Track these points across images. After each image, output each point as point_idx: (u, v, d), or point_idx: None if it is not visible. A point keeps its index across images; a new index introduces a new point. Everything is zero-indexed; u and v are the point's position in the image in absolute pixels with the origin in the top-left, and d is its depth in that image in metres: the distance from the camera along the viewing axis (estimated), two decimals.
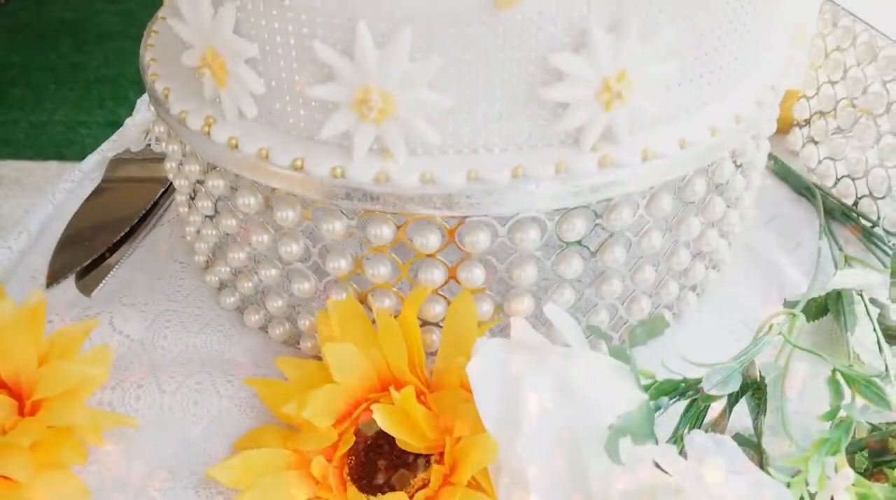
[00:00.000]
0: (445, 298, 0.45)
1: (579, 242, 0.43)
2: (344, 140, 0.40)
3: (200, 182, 0.48)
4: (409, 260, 0.43)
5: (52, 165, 2.23)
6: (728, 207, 0.50)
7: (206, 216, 0.50)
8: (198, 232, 0.53)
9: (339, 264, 0.44)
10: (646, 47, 0.37)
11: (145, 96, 0.80)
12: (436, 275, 0.43)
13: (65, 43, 2.64)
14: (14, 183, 2.17)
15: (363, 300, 0.46)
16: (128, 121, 0.74)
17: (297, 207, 0.43)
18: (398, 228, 0.42)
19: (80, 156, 2.43)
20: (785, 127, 0.69)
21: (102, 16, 2.81)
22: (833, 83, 0.61)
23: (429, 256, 0.43)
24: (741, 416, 0.44)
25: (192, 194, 0.51)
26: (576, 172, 0.39)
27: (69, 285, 0.57)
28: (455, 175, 0.39)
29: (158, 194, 0.63)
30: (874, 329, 0.47)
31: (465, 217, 0.41)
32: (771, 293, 0.56)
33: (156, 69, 0.48)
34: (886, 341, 0.48)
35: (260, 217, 0.45)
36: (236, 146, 0.42)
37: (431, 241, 0.41)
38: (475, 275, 0.43)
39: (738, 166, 0.48)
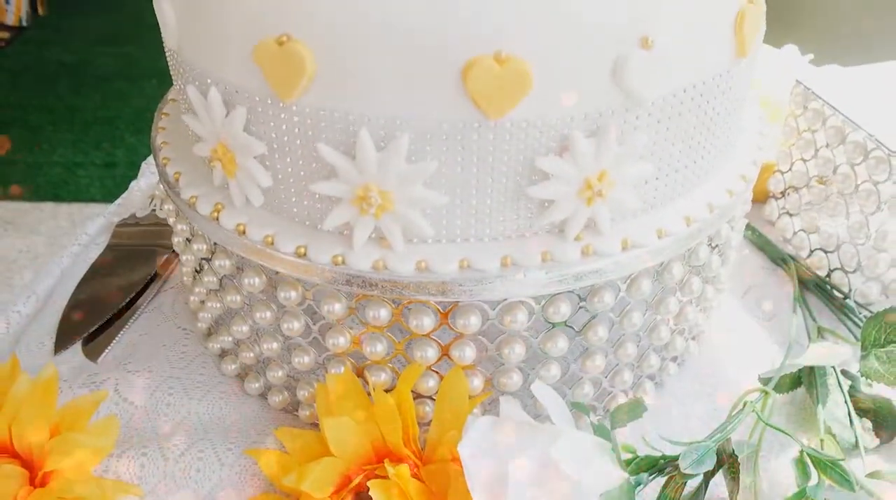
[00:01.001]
0: (438, 373, 0.47)
1: (564, 323, 0.46)
2: (345, 229, 0.43)
3: (207, 260, 0.51)
4: (404, 339, 0.46)
5: (48, 206, 2.26)
6: (705, 284, 0.53)
7: (211, 290, 0.53)
8: (202, 302, 0.55)
9: (338, 341, 0.46)
10: (624, 150, 0.41)
11: (149, 160, 0.83)
12: (429, 353, 0.46)
13: (63, 85, 2.69)
14: (9, 223, 2.19)
15: (360, 374, 0.48)
16: (133, 184, 0.77)
17: (299, 288, 0.45)
18: (395, 310, 0.44)
19: (76, 197, 2.43)
20: (762, 197, 0.73)
21: (100, 58, 2.86)
22: (805, 161, 0.64)
23: (423, 336, 0.45)
24: (720, 485, 0.47)
25: (198, 268, 0.53)
26: (560, 262, 0.42)
27: (76, 349, 0.59)
28: (448, 265, 0.42)
29: (162, 260, 0.65)
30: (845, 402, 0.50)
31: (458, 301, 0.43)
32: (748, 362, 0.59)
33: (167, 153, 0.51)
34: (857, 414, 0.51)
35: (263, 295, 0.48)
36: (244, 232, 0.44)
37: (426, 323, 0.44)
38: (466, 353, 0.46)
39: (714, 248, 0.51)
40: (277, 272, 0.45)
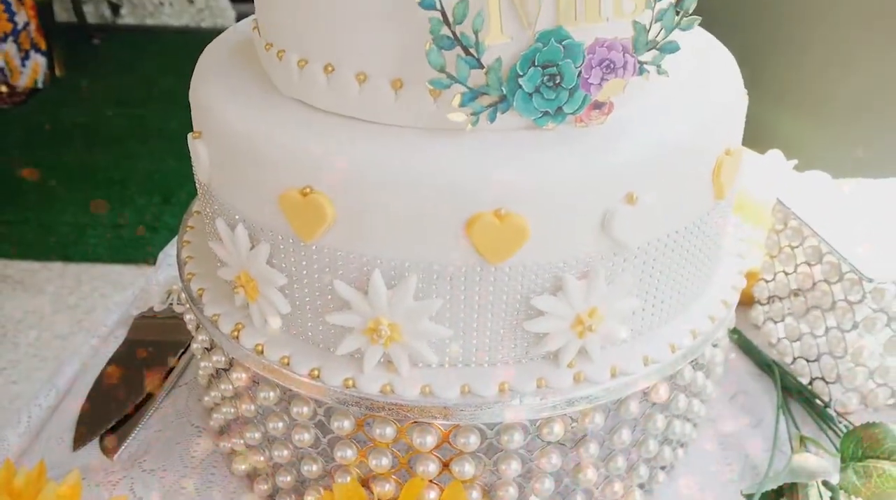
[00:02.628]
0: (439, 486, 0.50)
1: (557, 441, 0.49)
2: (356, 353, 0.47)
3: (224, 370, 0.54)
4: (408, 454, 0.49)
5: (57, 266, 2.30)
6: (692, 397, 0.56)
7: (226, 397, 0.56)
8: (216, 405, 0.59)
9: (346, 454, 0.50)
10: (612, 289, 0.45)
11: (167, 250, 0.87)
12: (431, 467, 0.49)
13: (76, 145, 2.76)
14: (18, 283, 2.23)
15: (365, 484, 0.51)
16: (151, 277, 0.81)
17: (311, 404, 0.49)
18: (399, 428, 0.48)
19: (84, 257, 2.46)
20: (748, 301, 0.76)
21: (113, 120, 2.94)
22: (787, 274, 0.69)
23: (426, 452, 0.48)
24: None
25: (215, 374, 0.57)
26: (554, 388, 0.46)
27: (93, 444, 0.62)
28: (450, 390, 0.45)
29: (178, 356, 0.69)
30: None
31: (459, 423, 0.47)
32: (735, 467, 0.62)
33: (192, 268, 0.55)
34: None
35: (277, 408, 0.51)
36: (262, 352, 0.48)
37: (428, 441, 0.47)
38: (466, 469, 0.49)
39: (699, 367, 0.55)
40: (291, 389, 0.49)
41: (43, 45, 2.94)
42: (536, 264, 0.43)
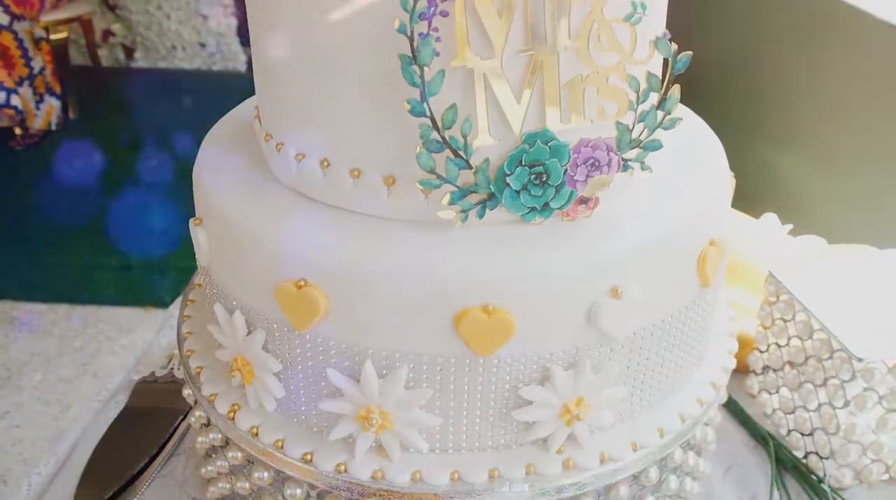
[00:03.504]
0: None
1: None
2: (349, 438, 0.48)
3: (221, 447, 0.55)
4: None
5: (63, 308, 2.32)
6: (684, 476, 0.56)
7: (222, 473, 0.57)
8: (212, 479, 0.59)
9: None
10: (599, 378, 0.46)
11: (171, 311, 0.88)
12: None
13: (85, 187, 2.80)
14: (24, 325, 2.25)
15: None
16: (152, 341, 0.82)
17: (304, 485, 0.50)
18: None
19: (90, 300, 2.47)
20: (744, 369, 0.77)
21: (127, 162, 2.99)
22: (780, 346, 0.69)
23: None
24: None
25: (211, 449, 0.58)
26: (543, 475, 0.47)
27: None
28: (441, 477, 0.46)
29: (177, 423, 0.70)
30: None
31: None
32: None
33: (191, 345, 0.56)
34: None
35: (271, 487, 0.52)
36: (256, 434, 0.49)
37: None
38: None
39: (690, 447, 0.55)
40: (285, 471, 0.50)
41: (57, 89, 3.00)
42: (524, 356, 0.44)
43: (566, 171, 0.43)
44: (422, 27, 0.38)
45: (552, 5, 0.40)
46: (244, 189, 0.48)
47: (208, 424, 0.56)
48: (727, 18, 1.35)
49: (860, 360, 0.59)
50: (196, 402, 0.56)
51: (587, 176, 0.44)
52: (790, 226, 0.91)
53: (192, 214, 0.53)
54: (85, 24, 3.03)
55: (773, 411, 0.71)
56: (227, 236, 0.48)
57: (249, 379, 0.49)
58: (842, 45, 1.08)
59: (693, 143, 0.54)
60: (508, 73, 0.41)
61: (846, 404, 0.61)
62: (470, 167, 0.42)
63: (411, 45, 0.39)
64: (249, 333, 0.48)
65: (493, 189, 0.43)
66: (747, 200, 0.96)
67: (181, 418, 0.71)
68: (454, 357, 0.44)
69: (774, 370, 0.71)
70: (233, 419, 0.50)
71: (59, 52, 2.98)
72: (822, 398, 0.64)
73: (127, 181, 2.92)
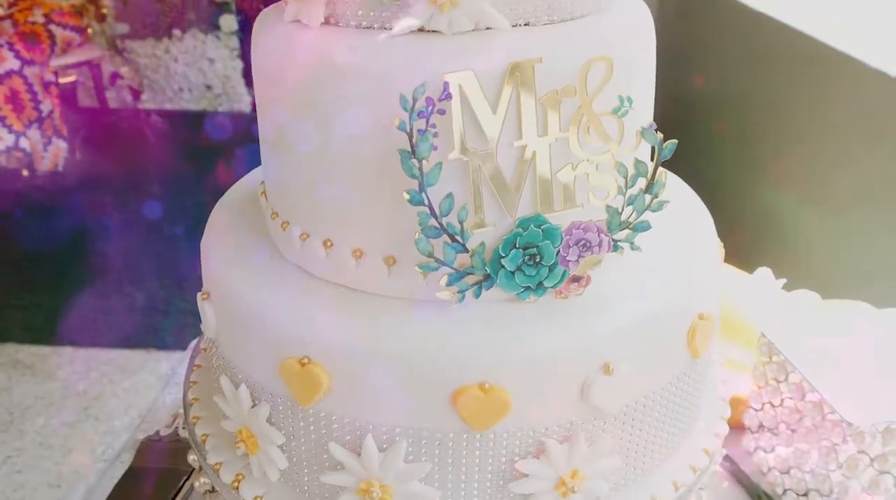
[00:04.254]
0: None
1: None
2: None
3: None
4: None
5: (67, 350, 2.33)
6: None
7: None
8: None
9: None
10: (593, 451, 0.47)
11: (177, 367, 0.90)
12: None
13: (91, 229, 2.83)
14: (28, 368, 2.26)
15: None
16: (157, 399, 0.84)
17: None
18: None
19: (94, 343, 2.48)
20: (740, 426, 0.78)
21: (133, 204, 3.02)
22: (774, 406, 0.70)
23: None
24: None
25: None
26: None
27: None
28: None
29: (181, 483, 0.71)
30: None
31: None
32: None
33: (197, 411, 0.58)
34: None
35: None
36: None
37: None
38: None
39: None
40: None
41: (65, 131, 3.05)
42: (520, 430, 0.46)
43: (559, 252, 0.45)
44: (420, 124, 0.41)
45: (543, 100, 0.42)
46: (251, 266, 0.50)
47: (213, 490, 0.57)
48: (725, 63, 1.38)
49: (850, 424, 0.60)
50: (201, 468, 0.58)
51: (579, 256, 0.46)
52: (784, 280, 0.93)
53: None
54: (94, 67, 3.09)
55: (769, 469, 0.72)
56: (233, 312, 0.49)
57: (254, 450, 0.50)
58: (838, 95, 1.11)
59: (682, 214, 0.56)
60: (503, 163, 0.43)
61: (839, 466, 0.62)
62: (466, 251, 0.44)
63: (410, 141, 0.41)
64: (254, 406, 0.49)
65: (488, 270, 0.45)
66: (741, 251, 0.98)
67: (185, 478, 0.72)
68: (452, 433, 0.45)
69: (769, 429, 0.72)
70: (237, 488, 0.51)
71: (68, 96, 3.04)
72: (816, 459, 0.65)
73: (131, 222, 2.96)
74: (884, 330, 0.73)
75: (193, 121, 3.34)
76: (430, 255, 0.43)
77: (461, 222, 0.43)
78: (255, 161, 0.56)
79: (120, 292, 2.54)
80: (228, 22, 3.22)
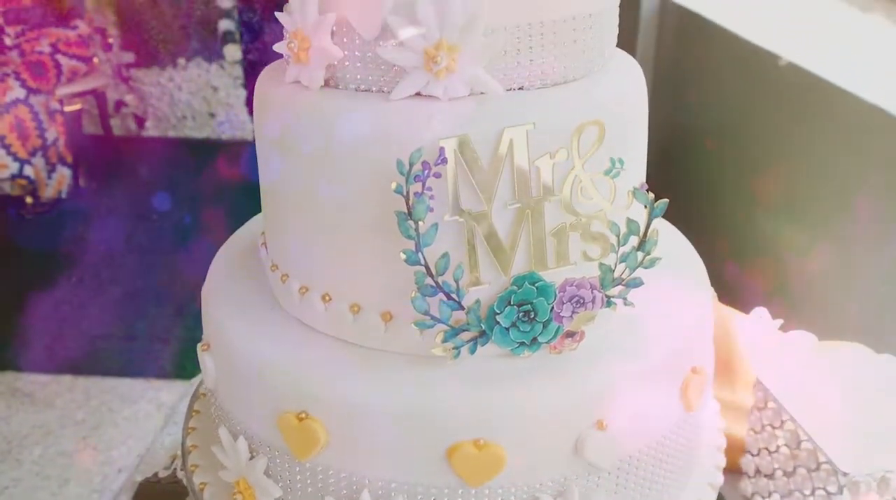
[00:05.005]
0: None
1: None
2: None
3: None
4: None
5: (66, 378, 2.32)
6: None
7: None
8: None
9: None
10: None
11: (179, 405, 0.90)
12: None
13: (95, 255, 2.84)
14: (27, 396, 2.25)
15: None
16: (155, 440, 0.84)
17: None
18: None
19: (94, 371, 2.47)
20: (737, 470, 0.78)
21: (133, 229, 3.03)
22: (770, 452, 0.71)
23: None
24: None
25: None
26: None
27: None
28: None
29: None
30: None
31: None
32: None
33: (195, 459, 0.58)
34: None
35: None
36: None
37: None
38: None
39: None
40: None
41: (69, 159, 3.07)
42: (514, 486, 0.46)
43: (553, 308, 0.46)
44: (417, 187, 0.42)
45: (537, 163, 0.44)
46: (250, 318, 0.51)
47: None
48: (722, 94, 1.39)
49: (845, 474, 0.61)
50: None
51: (573, 312, 0.47)
52: (780, 321, 0.93)
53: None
54: (99, 95, 3.12)
55: None
56: (232, 365, 0.50)
57: None
58: (838, 130, 1.11)
59: (675, 264, 0.56)
60: (497, 223, 0.44)
61: None
62: (462, 308, 0.45)
63: (407, 204, 0.42)
64: (252, 458, 0.50)
65: (483, 327, 0.45)
66: (736, 290, 0.98)
67: None
68: (447, 488, 0.46)
69: (766, 475, 0.72)
70: None
71: (73, 124, 3.07)
72: None
73: (132, 250, 2.97)
74: (881, 375, 0.73)
75: (196, 148, 3.37)
76: (427, 313, 0.44)
77: (457, 281, 0.44)
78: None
79: (121, 320, 2.54)
80: (233, 52, 3.26)
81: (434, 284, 0.44)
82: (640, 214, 0.47)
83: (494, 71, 0.44)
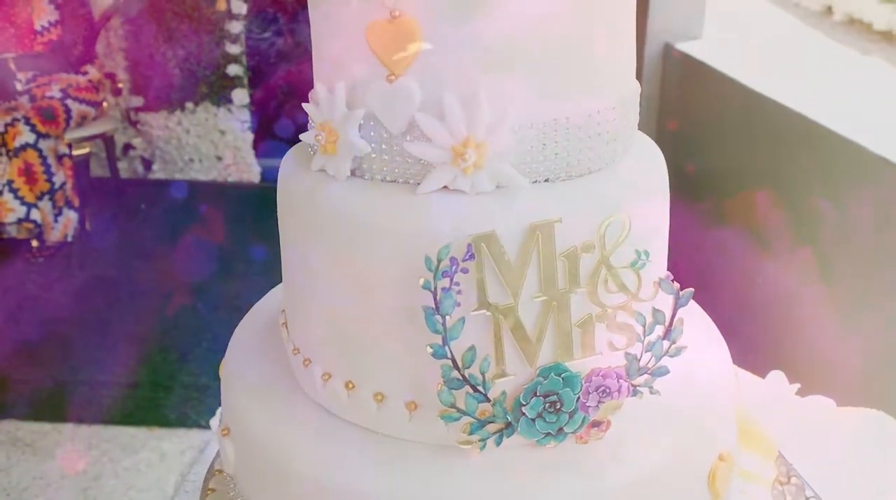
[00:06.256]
0: None
1: None
2: None
3: None
4: None
5: (68, 427, 2.29)
6: None
7: None
8: None
9: None
10: None
11: (189, 474, 0.89)
12: None
13: (97, 300, 2.83)
14: (28, 446, 2.22)
15: None
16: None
17: None
18: None
19: (96, 420, 2.45)
20: None
21: (138, 273, 3.03)
22: None
23: None
24: None
25: None
26: None
27: None
28: None
29: None
30: None
31: None
32: None
33: None
34: None
35: None
36: None
37: None
38: None
39: None
40: None
41: (76, 202, 3.09)
42: None
43: (579, 398, 0.46)
44: (444, 283, 0.42)
45: (564, 256, 0.44)
46: (272, 404, 0.51)
47: None
48: (728, 143, 1.40)
49: None
50: None
51: (599, 402, 0.46)
52: (797, 385, 0.92)
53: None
54: (107, 139, 3.15)
55: None
56: (253, 452, 0.50)
57: None
58: (854, 185, 1.11)
59: (699, 346, 0.56)
60: (524, 316, 0.44)
61: None
62: (488, 400, 0.44)
63: (434, 299, 0.42)
64: None
65: (509, 419, 0.45)
66: (752, 351, 0.98)
67: None
68: None
69: None
70: None
71: (81, 167, 3.09)
72: None
73: (138, 293, 2.96)
74: None
75: (203, 191, 3.40)
76: (453, 405, 0.44)
77: (483, 373, 0.44)
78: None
79: (123, 366, 2.53)
80: (240, 96, 3.31)
81: (460, 377, 0.43)
82: (665, 302, 0.47)
83: (521, 165, 0.44)
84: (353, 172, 0.47)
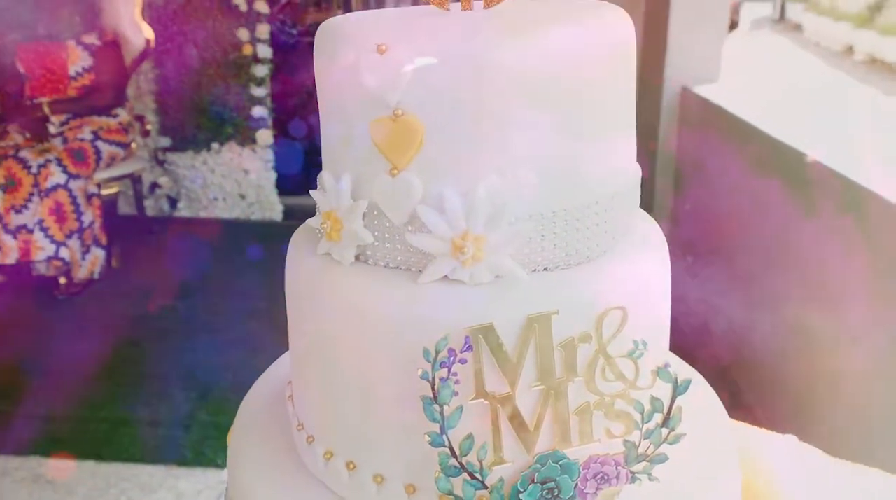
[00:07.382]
0: None
1: None
2: None
3: None
4: None
5: (89, 465, 2.31)
6: None
7: None
8: None
9: None
10: None
11: None
12: None
13: (122, 338, 2.87)
14: (49, 484, 2.24)
15: None
16: None
17: None
18: None
19: (117, 457, 2.46)
20: None
21: (161, 312, 3.07)
22: None
23: None
24: None
25: None
26: None
27: None
28: None
29: None
30: None
31: None
32: None
33: None
34: None
35: None
36: None
37: None
38: None
39: None
40: None
41: (104, 240, 3.15)
42: None
43: (577, 485, 0.46)
44: (442, 373, 0.43)
45: (561, 346, 0.44)
46: (276, 482, 0.52)
47: None
48: (745, 190, 1.40)
49: None
50: None
51: (597, 489, 0.46)
52: (817, 451, 0.91)
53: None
54: (135, 179, 3.23)
55: None
56: None
57: None
58: (877, 234, 1.10)
59: (700, 426, 0.56)
60: (521, 404, 0.45)
61: None
62: (485, 487, 0.45)
63: (432, 388, 0.43)
64: None
65: None
66: (764, 413, 0.96)
67: None
68: None
69: None
70: None
71: (109, 207, 3.16)
72: None
73: (161, 331, 2.99)
74: None
75: (227, 228, 3.45)
76: (450, 493, 0.44)
77: (480, 461, 0.44)
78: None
79: (146, 404, 2.55)
80: (264, 137, 3.38)
81: (458, 464, 0.44)
82: (663, 389, 0.48)
83: (519, 255, 0.45)
84: (357, 258, 0.48)
